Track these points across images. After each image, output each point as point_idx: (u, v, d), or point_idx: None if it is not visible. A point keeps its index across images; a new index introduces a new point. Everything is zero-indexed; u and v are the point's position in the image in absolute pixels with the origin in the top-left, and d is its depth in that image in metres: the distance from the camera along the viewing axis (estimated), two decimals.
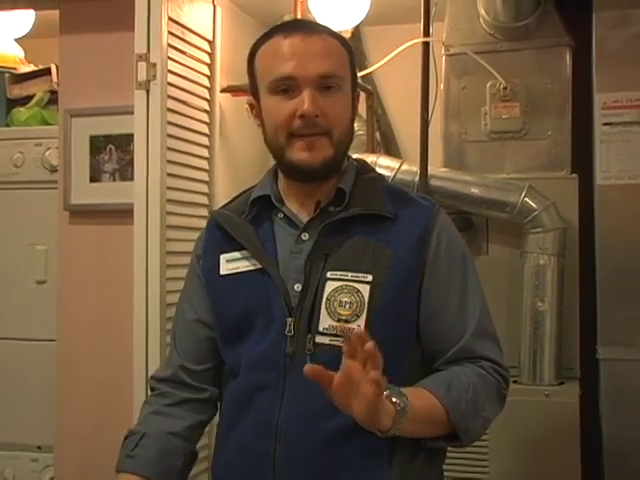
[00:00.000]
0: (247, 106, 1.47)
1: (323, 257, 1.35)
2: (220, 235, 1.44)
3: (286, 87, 1.34)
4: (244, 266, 1.38)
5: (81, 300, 2.62)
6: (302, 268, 1.36)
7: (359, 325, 1.31)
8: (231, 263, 1.40)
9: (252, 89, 1.43)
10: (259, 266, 1.38)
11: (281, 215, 1.42)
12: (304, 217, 1.41)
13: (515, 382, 2.36)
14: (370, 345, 1.12)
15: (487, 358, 1.42)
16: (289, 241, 1.39)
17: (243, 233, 1.40)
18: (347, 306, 1.32)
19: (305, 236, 1.39)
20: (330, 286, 1.33)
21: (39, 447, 2.87)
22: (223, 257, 1.41)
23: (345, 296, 1.32)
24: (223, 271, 1.40)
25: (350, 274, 1.33)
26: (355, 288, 1.32)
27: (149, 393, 1.56)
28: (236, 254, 1.40)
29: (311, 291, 1.34)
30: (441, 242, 1.40)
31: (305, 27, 1.39)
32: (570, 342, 2.39)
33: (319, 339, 1.32)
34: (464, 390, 1.33)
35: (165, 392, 1.49)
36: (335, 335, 1.31)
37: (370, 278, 1.33)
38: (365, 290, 1.32)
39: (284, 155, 1.37)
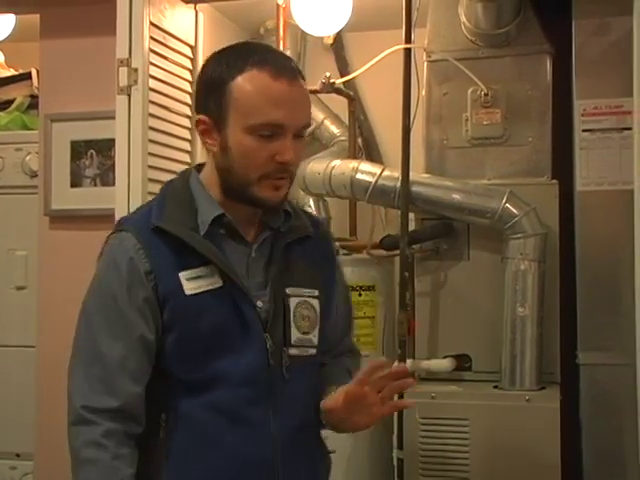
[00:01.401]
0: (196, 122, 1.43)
1: (280, 275, 1.44)
2: (171, 250, 1.38)
3: (271, 133, 1.35)
4: (208, 284, 1.39)
5: (61, 306, 2.60)
6: (261, 284, 1.44)
7: (315, 335, 1.47)
8: (194, 282, 1.38)
9: (209, 109, 1.39)
10: (221, 283, 1.39)
11: (223, 231, 1.42)
12: (249, 235, 1.45)
13: (496, 387, 2.37)
14: (412, 381, 1.44)
15: (355, 350, 1.67)
16: (240, 258, 1.43)
17: (209, 250, 1.39)
18: (307, 320, 1.46)
19: (254, 253, 1.45)
20: (293, 302, 1.45)
21: (18, 455, 2.85)
22: (182, 275, 1.38)
23: (304, 310, 1.46)
24: (188, 291, 1.37)
25: (304, 290, 1.47)
26: (310, 303, 1.47)
27: (80, 425, 1.40)
28: (197, 271, 1.38)
29: (279, 307, 1.43)
30: (335, 253, 1.64)
31: (290, 70, 1.39)
32: (551, 347, 2.40)
33: (292, 351, 1.44)
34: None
35: (113, 430, 1.36)
36: (301, 346, 1.45)
37: (317, 293, 1.48)
38: (316, 305, 1.48)
39: (247, 190, 1.39)
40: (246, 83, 1.36)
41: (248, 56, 1.38)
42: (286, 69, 1.38)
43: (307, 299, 1.47)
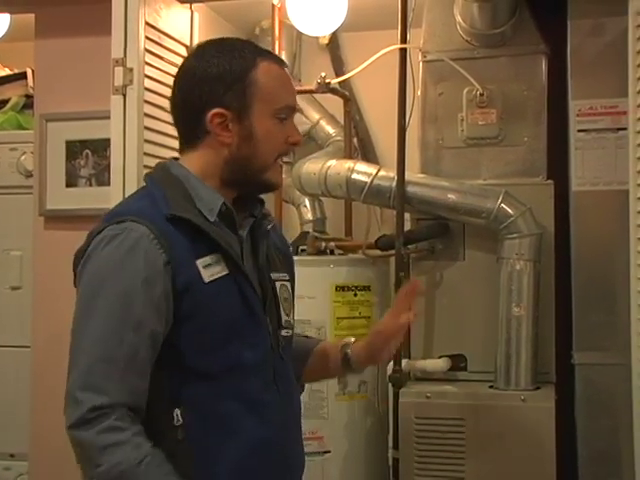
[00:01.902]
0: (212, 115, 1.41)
1: (266, 260, 1.49)
2: (186, 240, 1.37)
3: (286, 116, 1.45)
4: (218, 271, 1.39)
5: (56, 306, 2.59)
6: (253, 270, 1.47)
7: (293, 317, 1.54)
8: (208, 269, 1.38)
9: (229, 102, 1.40)
10: (227, 270, 1.39)
11: (216, 220, 1.42)
12: (238, 223, 1.48)
13: (491, 387, 2.38)
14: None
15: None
16: (235, 245, 1.44)
17: (223, 239, 1.40)
18: (287, 302, 1.53)
19: (244, 241, 1.48)
20: (277, 285, 1.51)
21: (12, 455, 2.84)
22: (199, 263, 1.37)
23: (285, 293, 1.53)
24: (206, 278, 1.37)
25: (280, 275, 1.53)
26: (286, 287, 1.54)
27: (88, 422, 1.31)
28: (208, 259, 1.38)
29: (270, 291, 1.48)
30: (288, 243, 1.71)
31: (281, 58, 1.54)
32: (546, 347, 2.40)
33: (282, 333, 1.49)
34: None
35: (124, 414, 1.31)
36: (287, 328, 1.51)
37: (288, 277, 1.56)
38: (289, 287, 1.56)
39: (263, 174, 1.45)
40: (265, 72, 1.43)
41: (250, 48, 1.46)
42: (282, 60, 1.52)
43: (284, 282, 1.54)
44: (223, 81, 1.41)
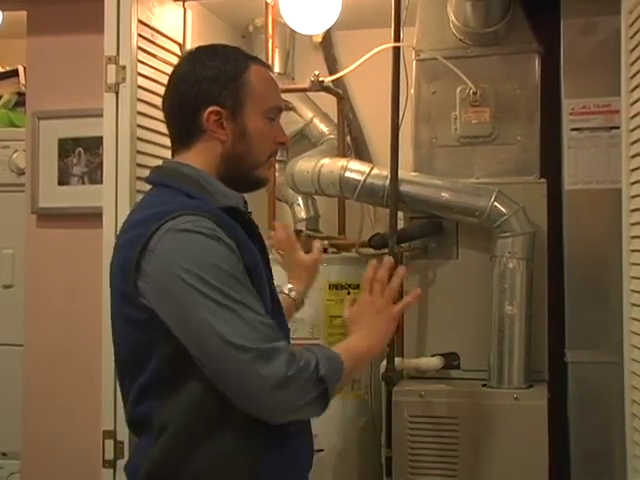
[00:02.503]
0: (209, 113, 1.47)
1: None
2: (241, 229, 1.43)
3: (275, 116, 1.53)
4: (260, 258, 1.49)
5: (49, 305, 2.59)
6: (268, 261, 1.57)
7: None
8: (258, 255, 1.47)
9: (224, 100, 1.46)
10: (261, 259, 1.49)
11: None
12: None
13: (484, 385, 2.38)
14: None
15: None
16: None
17: (257, 229, 1.53)
18: None
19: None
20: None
21: (4, 454, 2.84)
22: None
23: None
24: (260, 265, 1.46)
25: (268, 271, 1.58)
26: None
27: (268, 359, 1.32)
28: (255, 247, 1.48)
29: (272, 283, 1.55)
30: None
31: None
32: (539, 345, 2.41)
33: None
34: None
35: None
36: None
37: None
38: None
39: (255, 172, 1.52)
40: (256, 74, 1.51)
41: (241, 53, 1.56)
42: (266, 63, 1.64)
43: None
44: (218, 81, 1.47)
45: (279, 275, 1.76)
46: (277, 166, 2.75)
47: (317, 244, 1.98)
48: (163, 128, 2.54)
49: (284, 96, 1.84)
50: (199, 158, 1.49)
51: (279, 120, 1.55)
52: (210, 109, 1.46)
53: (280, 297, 1.63)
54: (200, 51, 1.54)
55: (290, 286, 1.91)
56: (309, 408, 1.38)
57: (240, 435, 1.38)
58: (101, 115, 2.25)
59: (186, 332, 1.34)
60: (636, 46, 1.99)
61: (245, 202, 1.57)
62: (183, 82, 1.50)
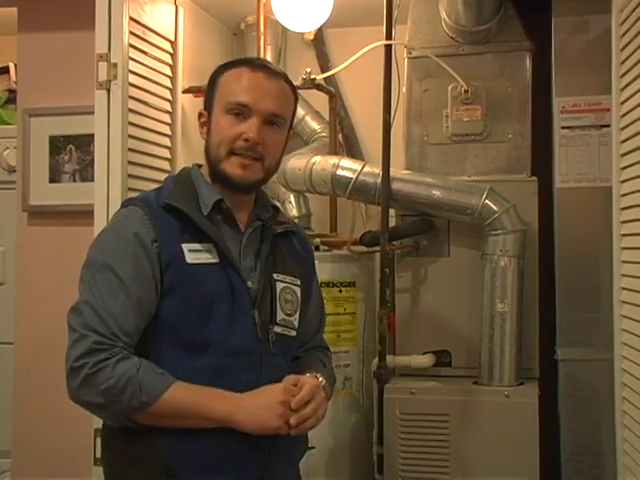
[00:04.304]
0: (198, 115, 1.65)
1: (268, 262, 1.61)
2: (177, 225, 1.53)
3: (239, 111, 1.55)
4: (206, 258, 1.54)
5: (40, 303, 2.58)
6: (252, 267, 1.60)
7: (296, 319, 1.64)
8: (194, 254, 1.53)
9: (207, 103, 1.62)
10: (217, 260, 1.54)
11: (219, 217, 1.59)
12: (242, 223, 1.62)
13: (475, 383, 2.39)
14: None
15: (326, 347, 1.82)
16: (234, 242, 1.59)
17: (211, 229, 1.55)
18: (289, 304, 1.63)
19: (245, 240, 1.61)
20: (279, 286, 1.62)
21: None
22: (185, 247, 1.52)
23: (288, 295, 1.63)
24: (189, 260, 1.52)
25: (287, 277, 1.64)
26: (293, 290, 1.65)
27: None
28: (197, 246, 1.53)
29: (267, 289, 1.60)
30: (314, 255, 1.80)
31: (270, 69, 1.62)
32: (530, 343, 2.42)
33: (276, 329, 1.60)
34: (328, 367, 1.74)
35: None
36: (285, 326, 1.62)
37: (299, 282, 1.66)
38: (298, 292, 1.66)
39: (219, 165, 1.57)
40: (229, 76, 1.60)
41: (240, 59, 1.64)
42: (269, 68, 1.61)
43: (290, 285, 1.64)
44: (207, 88, 1.63)
45: None
46: None
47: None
48: (155, 126, 2.54)
49: None
50: (203, 159, 1.64)
51: (256, 118, 1.55)
52: (198, 112, 1.64)
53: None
54: None
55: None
56: (93, 410, 1.48)
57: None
58: (92, 112, 2.24)
59: None
60: (627, 45, 1.99)
61: (276, 209, 1.68)
62: None
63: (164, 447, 1.47)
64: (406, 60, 2.58)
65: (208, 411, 1.46)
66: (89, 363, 1.42)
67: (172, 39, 2.57)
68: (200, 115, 1.63)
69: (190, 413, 1.47)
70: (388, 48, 2.45)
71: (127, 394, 1.42)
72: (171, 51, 2.57)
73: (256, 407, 1.48)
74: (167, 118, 2.53)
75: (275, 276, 1.62)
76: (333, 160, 2.56)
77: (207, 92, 1.63)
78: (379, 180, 2.44)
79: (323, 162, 2.57)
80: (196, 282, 1.51)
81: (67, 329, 1.48)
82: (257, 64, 1.61)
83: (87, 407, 1.47)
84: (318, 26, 2.92)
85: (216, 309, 1.52)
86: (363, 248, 2.56)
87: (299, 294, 1.65)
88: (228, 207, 1.58)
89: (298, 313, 1.65)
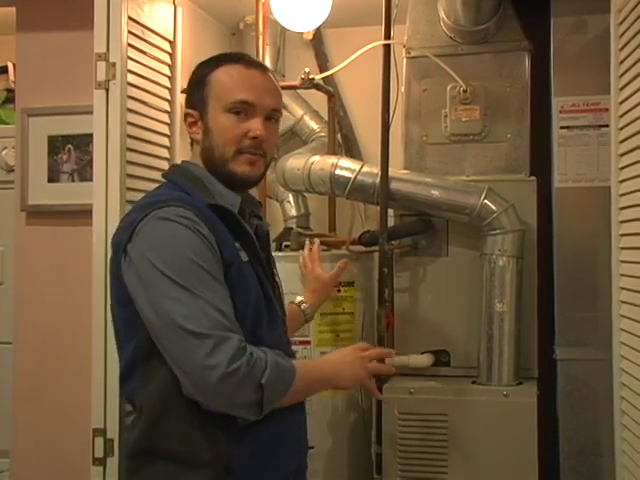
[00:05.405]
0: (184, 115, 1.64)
1: (269, 257, 1.68)
2: (224, 225, 1.52)
3: (241, 110, 1.56)
4: (244, 256, 1.55)
5: (38, 302, 2.58)
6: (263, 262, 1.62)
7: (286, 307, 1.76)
8: (240, 252, 1.54)
9: (195, 103, 1.60)
10: (248, 258, 1.55)
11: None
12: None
13: (474, 382, 2.39)
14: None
15: None
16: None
17: (246, 228, 1.57)
18: (281, 295, 1.72)
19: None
20: (278, 281, 1.71)
21: None
22: (237, 245, 1.54)
23: (280, 288, 1.71)
24: (243, 258, 1.54)
25: (275, 271, 1.71)
26: (279, 283, 1.71)
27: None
28: (237, 244, 1.55)
29: (276, 283, 1.68)
30: None
31: (261, 64, 1.65)
32: (528, 342, 2.42)
33: (285, 320, 1.69)
34: None
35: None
36: (285, 316, 1.70)
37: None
38: (280, 284, 1.73)
39: (226, 166, 1.57)
40: (222, 73, 1.59)
41: (225, 56, 1.63)
42: (259, 64, 1.64)
43: (276, 279, 1.71)
44: (191, 87, 1.63)
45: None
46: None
47: (342, 264, 2.27)
48: (153, 125, 2.54)
49: None
50: (196, 157, 1.63)
51: (258, 115, 1.57)
52: (185, 112, 1.63)
53: (286, 306, 1.76)
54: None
55: (301, 298, 2.10)
56: (245, 410, 1.44)
57: (208, 421, 1.44)
58: (91, 112, 2.24)
59: (145, 310, 1.43)
60: (625, 44, 2.00)
61: (260, 203, 1.74)
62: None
63: (223, 447, 1.45)
64: (405, 60, 2.58)
65: (325, 375, 1.61)
66: (243, 362, 1.39)
67: (171, 39, 2.58)
68: (187, 115, 1.62)
69: (315, 383, 1.61)
70: (387, 48, 2.44)
71: (281, 380, 1.46)
72: (170, 51, 2.57)
73: (347, 362, 1.64)
74: (166, 118, 2.53)
75: (274, 271, 1.70)
76: (332, 160, 2.56)
77: (194, 91, 1.61)
78: (378, 180, 2.44)
79: (322, 162, 2.57)
80: (246, 282, 1.53)
81: (173, 340, 1.38)
82: (249, 61, 1.62)
83: (240, 409, 1.43)
84: (317, 26, 2.92)
85: (259, 308, 1.54)
86: (362, 248, 2.56)
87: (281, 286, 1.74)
88: (243, 206, 1.61)
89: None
